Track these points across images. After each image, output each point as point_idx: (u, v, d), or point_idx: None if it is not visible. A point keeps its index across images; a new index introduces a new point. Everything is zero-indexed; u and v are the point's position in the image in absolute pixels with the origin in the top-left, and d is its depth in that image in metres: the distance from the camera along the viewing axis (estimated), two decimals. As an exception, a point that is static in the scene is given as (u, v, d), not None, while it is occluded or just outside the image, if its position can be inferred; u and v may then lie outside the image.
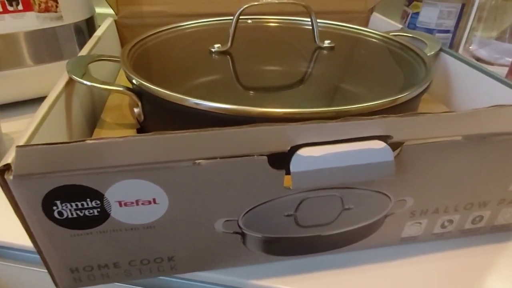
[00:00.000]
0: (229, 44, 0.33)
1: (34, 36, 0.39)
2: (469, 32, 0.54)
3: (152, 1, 0.46)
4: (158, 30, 0.38)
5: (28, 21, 0.38)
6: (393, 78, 0.32)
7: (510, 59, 0.50)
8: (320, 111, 0.23)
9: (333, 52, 0.35)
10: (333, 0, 0.50)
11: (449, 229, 0.27)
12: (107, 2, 0.44)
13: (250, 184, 0.20)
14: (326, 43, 0.35)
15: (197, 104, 0.24)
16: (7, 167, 0.18)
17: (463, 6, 0.50)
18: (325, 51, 0.35)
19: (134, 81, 0.27)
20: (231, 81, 0.30)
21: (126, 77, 0.28)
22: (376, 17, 0.50)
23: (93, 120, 0.32)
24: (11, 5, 0.36)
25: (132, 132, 0.30)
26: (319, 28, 0.42)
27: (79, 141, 0.16)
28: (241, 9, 0.32)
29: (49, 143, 0.16)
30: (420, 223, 0.26)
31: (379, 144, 0.20)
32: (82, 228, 0.20)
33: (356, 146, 0.20)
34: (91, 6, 0.45)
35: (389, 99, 0.24)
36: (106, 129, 0.30)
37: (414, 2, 0.52)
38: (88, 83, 0.27)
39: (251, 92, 0.28)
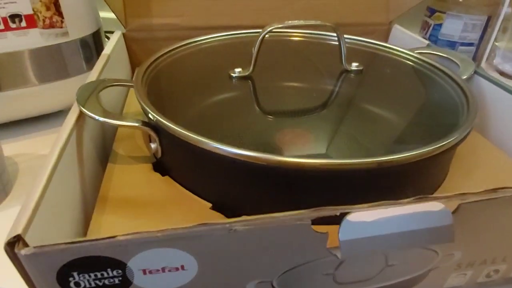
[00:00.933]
0: (251, 69, 0.31)
1: (38, 54, 0.36)
2: (492, 45, 0.51)
3: (162, 13, 0.43)
4: (171, 48, 0.36)
5: (32, 38, 0.35)
6: (430, 110, 0.29)
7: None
8: (361, 163, 0.20)
9: (361, 77, 0.33)
10: (353, 12, 0.47)
11: (493, 278, 0.25)
12: (115, 14, 0.41)
13: (290, 247, 0.18)
14: (354, 66, 0.33)
15: (218, 149, 0.21)
16: (18, 238, 0.16)
17: (489, 18, 0.48)
18: (353, 75, 0.33)
19: (151, 116, 0.24)
20: (255, 114, 0.28)
21: (142, 109, 0.26)
22: (397, 29, 0.47)
23: (104, 152, 0.29)
24: (13, 22, 0.34)
25: (148, 167, 0.27)
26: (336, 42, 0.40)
27: (109, 237, 0.14)
28: (264, 32, 0.29)
29: (73, 241, 0.14)
30: (465, 274, 0.24)
31: (437, 206, 0.17)
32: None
33: (412, 209, 0.17)
34: (97, 19, 0.42)
35: (435, 147, 0.22)
36: (120, 164, 0.28)
37: (437, 13, 0.50)
38: (101, 118, 0.24)
39: (278, 128, 0.26)
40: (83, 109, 0.25)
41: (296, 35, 0.41)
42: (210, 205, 0.24)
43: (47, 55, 0.37)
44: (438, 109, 0.30)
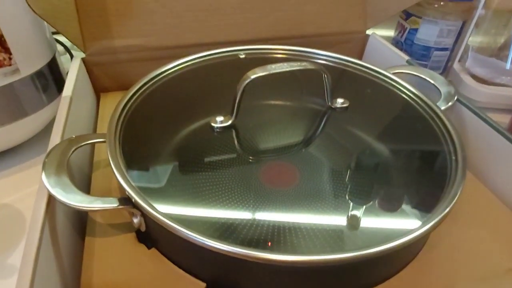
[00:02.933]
0: (233, 118, 0.28)
1: (-14, 98, 0.32)
2: (465, 47, 0.51)
3: (125, 34, 0.39)
4: (141, 85, 0.32)
5: (-24, 83, 0.31)
6: (417, 164, 0.28)
7: (506, 78, 0.49)
8: (336, 259, 0.20)
9: (346, 114, 0.32)
10: (330, 22, 0.45)
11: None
12: (71, 41, 0.36)
13: None
14: (339, 103, 0.32)
15: (204, 243, 0.20)
16: None
17: (463, 24, 0.47)
18: (337, 113, 0.31)
19: (133, 200, 0.22)
20: (243, 172, 0.26)
21: (119, 187, 0.23)
22: (375, 39, 0.46)
23: (81, 224, 0.27)
24: (-49, 68, 0.29)
25: (132, 237, 0.25)
26: (323, 62, 0.38)
27: None
28: (246, 82, 0.27)
29: None
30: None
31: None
32: None
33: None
34: (51, 46, 0.37)
35: (413, 236, 0.21)
36: (99, 236, 0.26)
37: (413, 18, 0.49)
38: (74, 203, 0.22)
39: (263, 202, 0.24)
40: (53, 193, 0.22)
41: (279, 55, 0.38)
42: (204, 285, 0.23)
43: (-2, 97, 0.33)
44: (426, 162, 0.29)
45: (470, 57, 0.52)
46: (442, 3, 0.46)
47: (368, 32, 0.47)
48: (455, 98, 0.34)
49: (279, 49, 0.40)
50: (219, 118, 0.28)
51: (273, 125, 0.30)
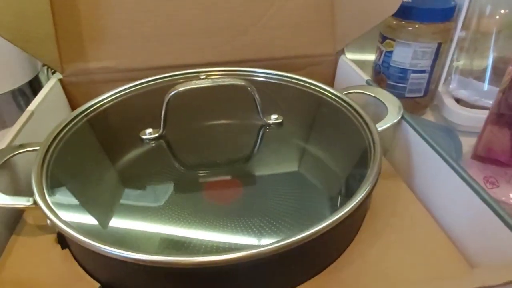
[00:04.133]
0: (161, 129, 0.30)
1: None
2: (448, 69, 0.50)
3: (99, 56, 0.43)
4: (85, 108, 0.35)
5: (-45, 97, 0.35)
6: (341, 167, 0.29)
7: (489, 101, 0.47)
8: (257, 253, 0.20)
9: (280, 130, 0.32)
10: (299, 45, 0.46)
11: None
12: (48, 65, 0.41)
13: None
14: (273, 118, 0.32)
15: (114, 254, 0.21)
16: None
17: (439, 45, 0.46)
18: (271, 129, 0.32)
19: (37, 202, 0.24)
20: (163, 191, 0.27)
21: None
22: (344, 61, 0.46)
23: (13, 217, 0.29)
24: None
25: (53, 237, 0.27)
26: (274, 81, 0.39)
27: None
28: (169, 96, 0.29)
29: None
30: None
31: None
32: None
33: None
34: (34, 66, 0.42)
35: (320, 227, 0.21)
36: (24, 235, 0.28)
37: (387, 41, 0.48)
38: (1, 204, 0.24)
39: (185, 211, 0.25)
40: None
41: (213, 74, 0.40)
42: (98, 285, 0.24)
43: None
44: (348, 165, 0.29)
45: (453, 80, 0.50)
46: (415, 25, 0.45)
47: (351, 56, 0.47)
48: (400, 115, 0.33)
49: (235, 70, 0.41)
50: (148, 130, 0.30)
51: (204, 138, 0.32)
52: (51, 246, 0.27)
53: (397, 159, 0.35)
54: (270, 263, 0.22)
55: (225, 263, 0.19)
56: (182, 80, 0.40)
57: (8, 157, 0.28)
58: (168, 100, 0.29)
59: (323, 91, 0.37)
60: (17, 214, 0.30)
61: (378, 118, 0.33)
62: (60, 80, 0.43)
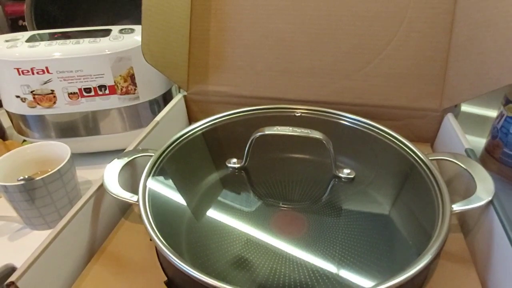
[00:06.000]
0: (243, 162, 0.35)
1: (117, 111, 0.48)
2: None
3: (216, 82, 0.51)
4: (192, 129, 0.42)
5: (112, 101, 0.47)
6: (407, 226, 0.29)
7: None
8: None
9: (349, 186, 0.33)
10: (402, 95, 0.46)
11: None
12: (178, 84, 0.50)
13: None
14: (345, 173, 0.34)
15: (194, 276, 0.25)
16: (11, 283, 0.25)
17: None
18: (342, 182, 0.34)
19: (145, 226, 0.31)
20: (235, 217, 0.31)
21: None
22: (449, 120, 0.43)
23: (126, 205, 0.38)
24: (100, 90, 0.46)
25: (147, 237, 0.35)
26: (357, 127, 0.40)
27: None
28: (255, 136, 0.33)
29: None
30: None
31: None
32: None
33: None
34: (167, 83, 0.53)
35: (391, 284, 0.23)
36: (130, 221, 0.36)
37: (511, 105, 0.43)
38: (113, 193, 0.33)
39: (255, 240, 0.29)
40: (103, 179, 0.34)
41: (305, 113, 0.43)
42: (165, 279, 0.30)
43: (124, 112, 0.49)
44: (408, 237, 0.29)
45: None
46: (549, 94, 0.40)
47: (473, 109, 0.45)
48: (488, 200, 0.30)
49: (330, 113, 0.44)
50: (233, 160, 0.35)
51: (278, 177, 0.35)
52: (144, 235, 0.34)
53: (476, 245, 0.32)
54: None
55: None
56: (276, 114, 0.45)
57: (131, 158, 0.37)
58: (253, 139, 0.33)
59: (406, 149, 0.36)
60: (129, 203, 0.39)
61: (468, 194, 0.31)
62: (184, 97, 0.52)
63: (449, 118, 0.44)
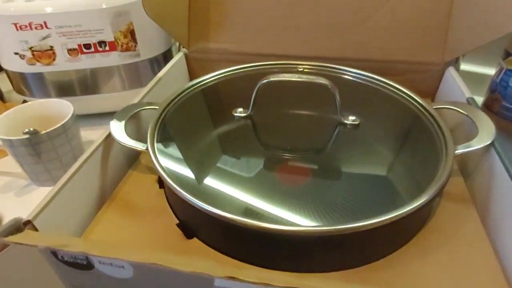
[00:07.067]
0: (249, 110, 0.35)
1: (117, 69, 0.48)
2: None
3: (217, 39, 0.50)
4: (195, 83, 0.41)
5: (112, 59, 0.47)
6: (410, 169, 0.29)
7: None
8: (326, 230, 0.24)
9: (355, 132, 0.34)
10: (404, 49, 0.46)
11: None
12: (178, 41, 0.50)
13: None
14: (350, 119, 0.34)
15: (208, 211, 0.26)
16: (28, 222, 0.25)
17: None
18: (347, 128, 0.34)
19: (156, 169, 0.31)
20: (251, 152, 0.33)
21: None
22: (450, 74, 0.44)
23: (133, 155, 0.38)
24: (100, 46, 0.45)
25: (155, 178, 0.35)
26: (361, 81, 0.40)
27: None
28: (260, 83, 0.33)
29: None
30: None
31: None
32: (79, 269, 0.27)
33: None
34: (168, 41, 0.52)
35: (392, 215, 0.24)
36: (138, 172, 0.37)
37: (511, 57, 0.44)
38: (121, 141, 0.33)
39: (263, 183, 0.30)
40: (110, 128, 0.34)
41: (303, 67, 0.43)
42: (177, 221, 0.31)
43: (124, 70, 0.48)
44: (414, 176, 0.30)
45: None
46: (550, 44, 0.40)
47: (471, 68, 0.45)
48: (489, 142, 0.31)
49: (335, 68, 0.44)
50: (239, 109, 0.36)
51: (284, 125, 0.36)
52: (153, 184, 0.35)
53: (476, 187, 0.33)
54: (318, 244, 0.25)
55: (275, 232, 0.24)
56: (279, 70, 0.45)
57: (137, 110, 0.37)
58: (259, 87, 0.34)
59: (410, 99, 0.37)
60: (136, 154, 0.39)
61: (467, 138, 0.32)
62: (185, 55, 0.51)
63: (451, 71, 0.44)
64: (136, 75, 0.49)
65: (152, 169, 0.36)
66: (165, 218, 0.31)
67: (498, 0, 0.38)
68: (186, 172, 0.31)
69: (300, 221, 0.26)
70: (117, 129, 0.34)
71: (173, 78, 0.48)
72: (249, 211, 0.27)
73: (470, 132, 0.35)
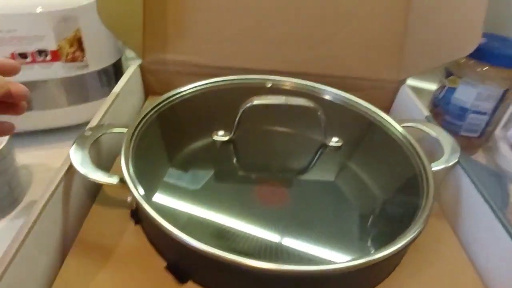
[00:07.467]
0: (231, 134, 0.33)
1: (60, 83, 0.41)
2: (508, 118, 0.49)
3: (176, 50, 0.46)
4: (164, 99, 0.38)
5: (55, 70, 0.40)
6: (393, 200, 0.31)
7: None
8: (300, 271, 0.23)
9: (339, 153, 0.34)
10: (363, 66, 0.48)
11: None
12: (133, 50, 0.45)
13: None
14: (334, 141, 0.34)
15: (185, 243, 0.24)
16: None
17: (505, 91, 0.46)
18: (331, 150, 0.34)
19: (126, 182, 0.28)
20: (231, 180, 0.30)
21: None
22: (405, 91, 0.47)
23: (96, 189, 0.33)
24: (40, 56, 0.38)
25: (126, 212, 0.31)
26: (338, 102, 0.41)
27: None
28: (245, 106, 0.31)
29: None
30: None
31: None
32: None
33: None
34: (118, 50, 0.46)
35: (366, 260, 0.23)
36: (104, 205, 0.32)
37: (452, 77, 0.49)
38: (82, 171, 0.28)
39: (244, 208, 0.28)
40: (73, 162, 0.29)
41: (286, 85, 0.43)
42: (165, 264, 0.27)
43: (69, 83, 0.42)
44: (401, 199, 0.31)
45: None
46: (484, 68, 0.45)
47: (409, 82, 0.48)
48: (455, 161, 0.34)
49: (303, 84, 0.43)
50: (220, 132, 0.33)
51: (269, 149, 0.34)
52: (124, 219, 0.31)
53: (445, 201, 0.36)
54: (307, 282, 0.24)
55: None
56: (253, 85, 0.43)
57: (100, 135, 0.32)
58: (243, 110, 0.32)
59: (384, 122, 0.38)
60: (98, 185, 0.34)
61: (430, 155, 0.34)
62: (140, 66, 0.47)
63: (405, 89, 0.47)
64: (83, 88, 0.43)
65: (121, 202, 0.32)
66: (149, 260, 0.28)
67: (449, 27, 0.42)
68: (170, 204, 0.28)
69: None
70: (81, 161, 0.29)
71: (128, 92, 0.43)
72: (251, 248, 0.25)
73: (431, 147, 0.37)
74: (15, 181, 0.37)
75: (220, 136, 0.33)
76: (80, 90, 0.43)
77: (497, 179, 0.47)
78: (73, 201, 0.30)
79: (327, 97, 0.42)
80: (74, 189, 0.30)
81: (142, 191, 0.27)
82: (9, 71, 0.26)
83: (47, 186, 0.27)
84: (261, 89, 0.43)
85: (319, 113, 0.32)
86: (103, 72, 0.44)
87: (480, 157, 0.53)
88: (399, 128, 0.37)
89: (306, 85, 0.43)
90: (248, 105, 0.32)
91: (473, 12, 0.40)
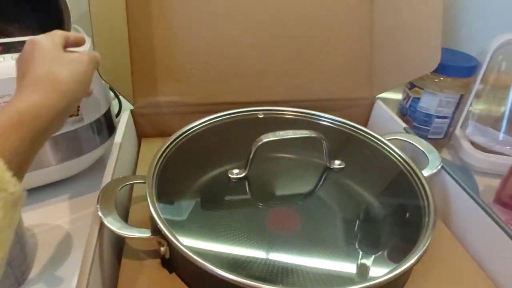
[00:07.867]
0: (246, 171, 0.35)
1: (56, 141, 0.41)
2: (466, 115, 0.56)
3: (167, 92, 0.48)
4: (174, 138, 0.39)
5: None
6: (398, 220, 0.34)
7: (501, 147, 0.54)
8: None
9: (342, 174, 0.38)
10: (339, 88, 0.52)
11: None
12: (124, 97, 0.45)
13: None
14: (336, 164, 0.38)
15: (221, 276, 0.26)
16: None
17: (461, 96, 0.53)
18: (334, 173, 0.38)
19: (162, 232, 0.29)
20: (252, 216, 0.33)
21: (151, 221, 0.30)
22: (380, 106, 0.53)
23: (119, 249, 0.33)
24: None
25: (157, 262, 0.32)
26: (336, 127, 0.45)
27: None
28: (258, 144, 0.34)
29: None
30: None
31: None
32: None
33: None
34: (108, 99, 0.47)
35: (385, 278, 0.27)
36: (132, 259, 0.32)
37: (416, 88, 0.55)
38: (120, 231, 0.29)
39: (270, 242, 0.31)
40: (106, 223, 0.29)
41: (290, 116, 0.46)
42: (210, 306, 0.29)
43: (64, 140, 0.41)
44: (404, 211, 0.35)
45: (470, 125, 0.56)
46: (441, 78, 0.52)
47: (379, 96, 0.54)
48: (440, 166, 0.39)
49: (291, 111, 0.47)
50: (235, 171, 0.35)
51: (280, 178, 0.37)
52: (158, 269, 0.31)
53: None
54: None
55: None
56: (246, 117, 0.45)
57: (119, 189, 0.33)
58: (256, 148, 0.34)
59: (376, 141, 0.43)
60: (121, 240, 0.34)
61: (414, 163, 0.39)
62: (131, 111, 0.47)
63: (379, 103, 0.53)
64: (77, 142, 0.43)
65: (147, 253, 0.33)
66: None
67: (410, 48, 0.48)
68: (206, 247, 0.29)
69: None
70: (114, 221, 0.29)
71: (124, 139, 0.43)
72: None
73: (412, 155, 0.42)
74: (27, 246, 0.36)
75: (236, 174, 0.35)
76: (75, 144, 0.43)
77: (464, 172, 0.54)
78: (105, 261, 0.30)
79: (324, 123, 0.46)
80: (105, 249, 0.30)
81: (177, 240, 0.28)
82: (81, 42, 0.32)
83: (85, 251, 0.27)
84: (254, 120, 0.46)
85: (323, 143, 0.36)
86: (95, 123, 0.44)
87: (445, 154, 0.59)
88: (387, 143, 0.41)
89: (304, 112, 0.47)
90: (260, 143, 0.34)
91: (430, 33, 0.46)
